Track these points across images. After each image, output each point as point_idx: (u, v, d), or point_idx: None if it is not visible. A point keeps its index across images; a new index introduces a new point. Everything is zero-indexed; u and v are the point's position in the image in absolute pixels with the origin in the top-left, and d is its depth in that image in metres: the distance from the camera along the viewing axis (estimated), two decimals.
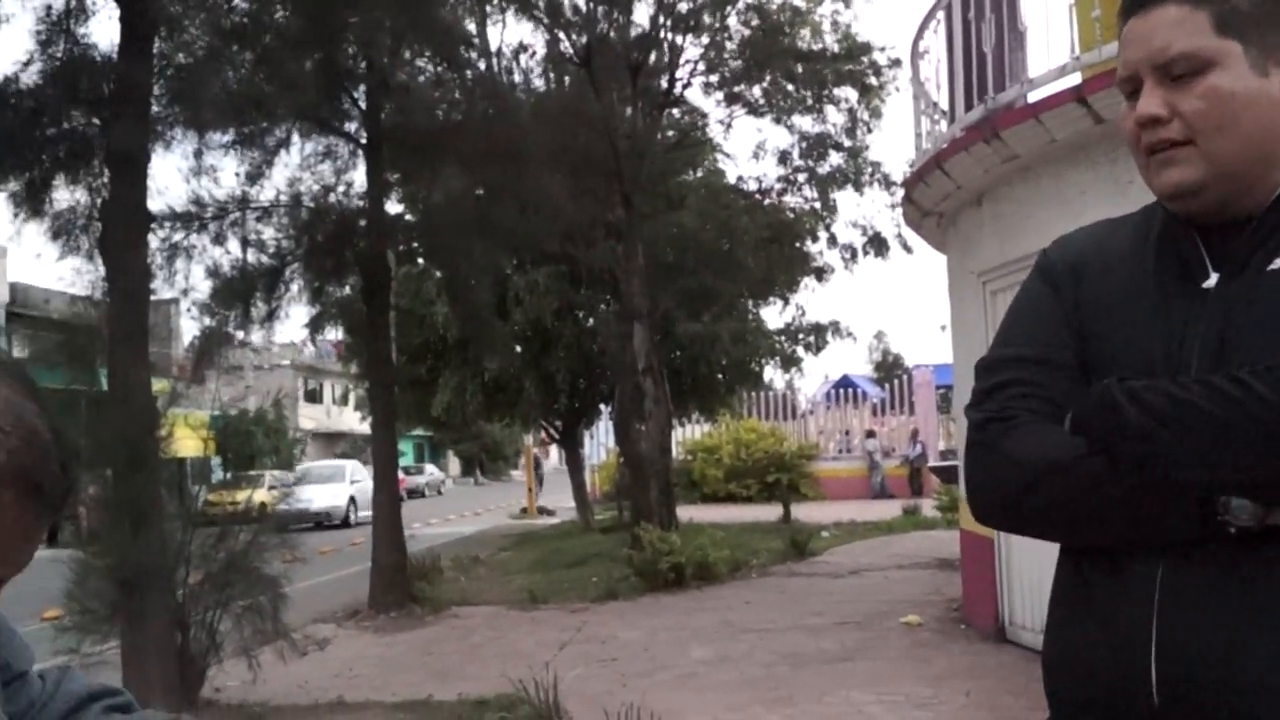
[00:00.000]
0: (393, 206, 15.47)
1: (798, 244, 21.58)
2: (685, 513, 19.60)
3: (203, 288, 12.85)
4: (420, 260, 20.26)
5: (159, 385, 8.72)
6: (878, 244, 21.07)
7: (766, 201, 21.32)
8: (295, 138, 12.98)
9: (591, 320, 21.94)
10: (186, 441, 9.61)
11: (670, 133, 20.64)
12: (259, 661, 8.86)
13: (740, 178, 23.07)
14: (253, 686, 8.77)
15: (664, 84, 18.46)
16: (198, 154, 11.42)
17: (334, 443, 58.03)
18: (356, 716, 7.89)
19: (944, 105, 9.93)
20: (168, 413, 8.88)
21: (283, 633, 9.07)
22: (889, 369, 63.17)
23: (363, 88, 13.25)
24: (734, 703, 7.32)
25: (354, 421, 50.75)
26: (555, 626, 11.29)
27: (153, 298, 9.05)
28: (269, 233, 13.18)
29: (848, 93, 19.77)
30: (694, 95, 26.80)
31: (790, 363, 24.67)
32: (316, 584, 15.20)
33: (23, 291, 32.90)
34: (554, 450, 54.65)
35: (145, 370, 8.16)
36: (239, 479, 10.33)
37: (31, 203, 9.02)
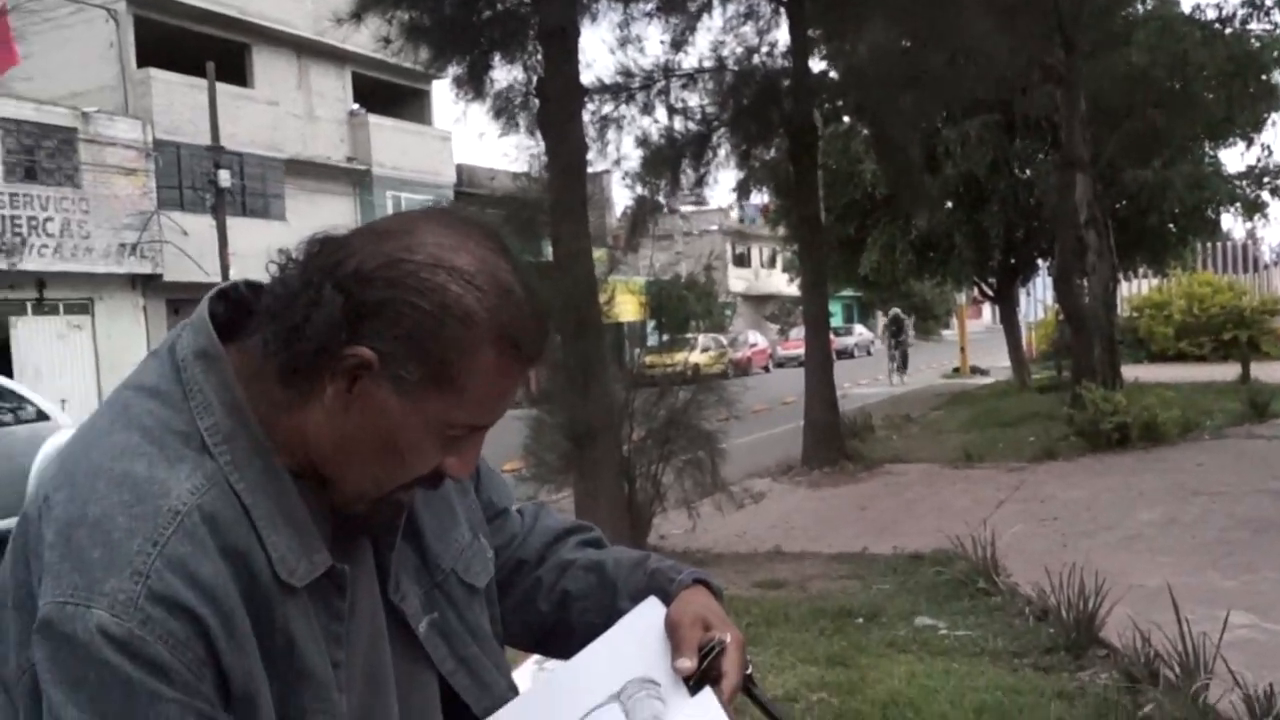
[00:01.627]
0: (817, 64, 15.30)
1: (1264, 76, 19.48)
2: (1130, 372, 18.58)
3: (633, 157, 13.30)
4: (846, 118, 19.94)
5: (597, 254, 9.14)
6: None
7: (1228, 31, 19.32)
8: (716, 1, 13.05)
9: (1028, 172, 20.96)
10: (625, 306, 10.07)
11: None
12: (699, 512, 9.29)
13: (1196, 6, 21.24)
14: (693, 535, 9.22)
15: None
16: (623, 24, 11.76)
17: (762, 305, 59.08)
18: (794, 565, 8.12)
19: None
20: (607, 280, 9.33)
21: (721, 486, 9.46)
22: None
23: None
24: (1185, 566, 6.94)
25: (782, 284, 51.42)
26: (991, 485, 11.10)
27: (588, 170, 9.44)
28: (695, 99, 13.42)
29: None
30: None
31: (1253, 209, 22.47)
32: (752, 440, 15.69)
33: (468, 172, 35.33)
34: (986, 309, 53.30)
35: (586, 239, 8.57)
36: (674, 341, 10.70)
37: (473, 84, 9.61)
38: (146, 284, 26.07)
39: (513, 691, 1.55)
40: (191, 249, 25.60)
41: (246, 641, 1.15)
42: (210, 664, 1.12)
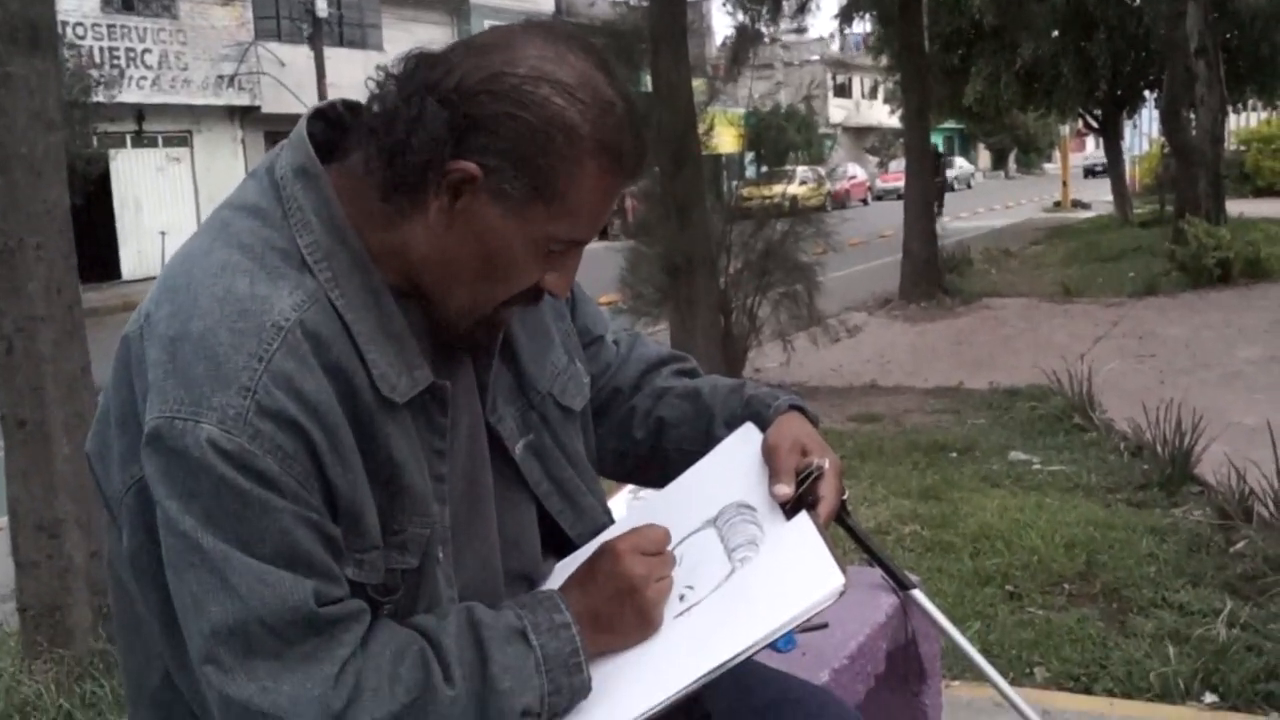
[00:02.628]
0: None
1: None
2: (1235, 207, 18.05)
3: None
4: None
5: (697, 84, 8.99)
6: None
7: None
8: None
9: None
10: (724, 138, 9.93)
11: None
12: (794, 345, 9.30)
13: None
14: (789, 369, 9.25)
15: None
16: None
17: (863, 137, 57.93)
18: (890, 399, 8.13)
19: None
20: (706, 110, 9.19)
21: (817, 319, 9.44)
22: None
23: None
24: None
25: (883, 115, 50.26)
26: (1090, 320, 10.98)
27: None
28: None
29: None
30: None
31: None
32: (849, 274, 15.58)
33: (568, 1, 34.64)
34: (1090, 142, 51.77)
35: (685, 69, 8.41)
36: (773, 173, 10.57)
37: None
38: (245, 116, 26.14)
39: (608, 517, 1.57)
40: (289, 80, 25.50)
41: (351, 456, 1.18)
42: (317, 476, 1.15)
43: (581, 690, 1.27)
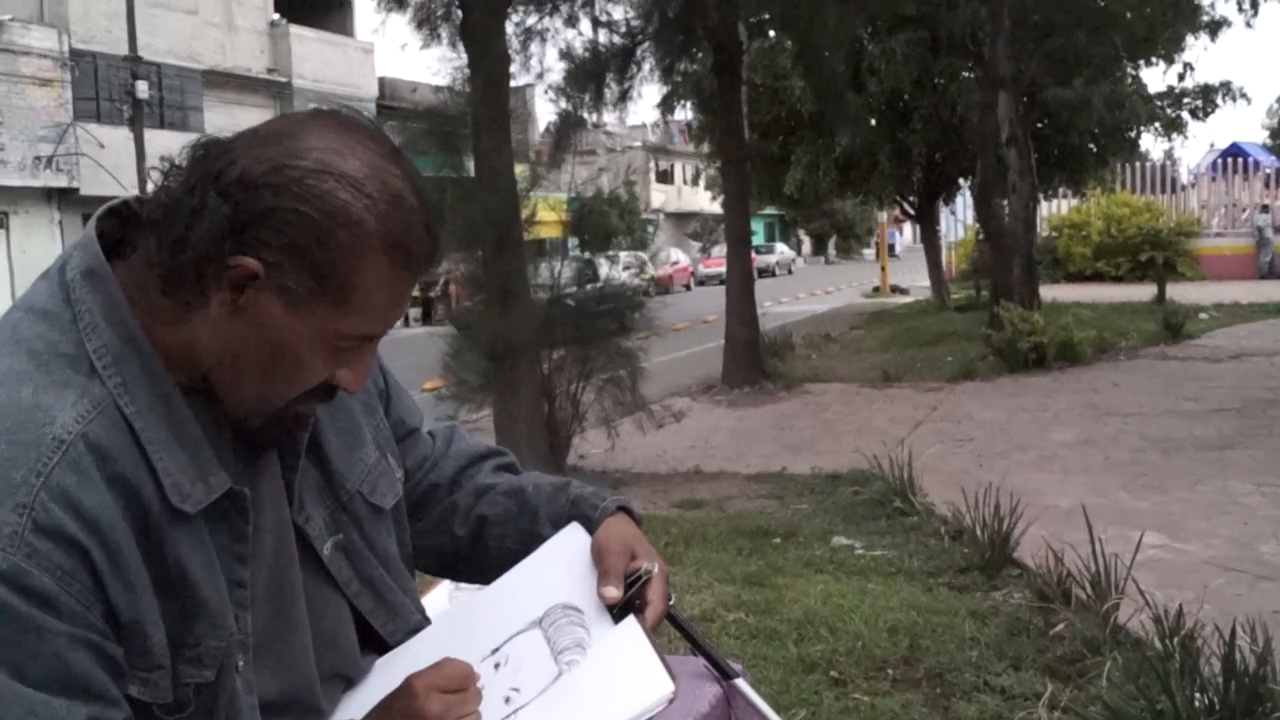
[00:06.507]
0: None
1: None
2: (1049, 292, 18.85)
3: (557, 70, 13.09)
4: (772, 33, 19.81)
5: (520, 169, 9.01)
6: None
7: None
8: None
9: (951, 89, 20.98)
10: (546, 223, 9.95)
11: None
12: (618, 431, 9.29)
13: None
14: (613, 455, 9.23)
15: None
16: None
17: (685, 222, 59.03)
18: (713, 485, 8.15)
19: None
20: (529, 195, 9.20)
21: (641, 404, 9.45)
22: None
23: None
24: (1098, 487, 7.07)
25: (705, 201, 51.37)
26: (909, 404, 11.23)
27: (511, 83, 9.27)
28: (619, 11, 13.22)
29: None
30: None
31: (1172, 127, 22.56)
32: (672, 359, 15.72)
33: (391, 85, 34.73)
34: (907, 228, 53.67)
35: (508, 154, 8.43)
36: (594, 259, 10.61)
37: None
38: (63, 198, 25.48)
39: (421, 616, 1.55)
40: (109, 162, 24.95)
41: (135, 572, 1.13)
42: (97, 594, 1.10)
43: None
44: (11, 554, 1.05)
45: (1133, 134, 22.99)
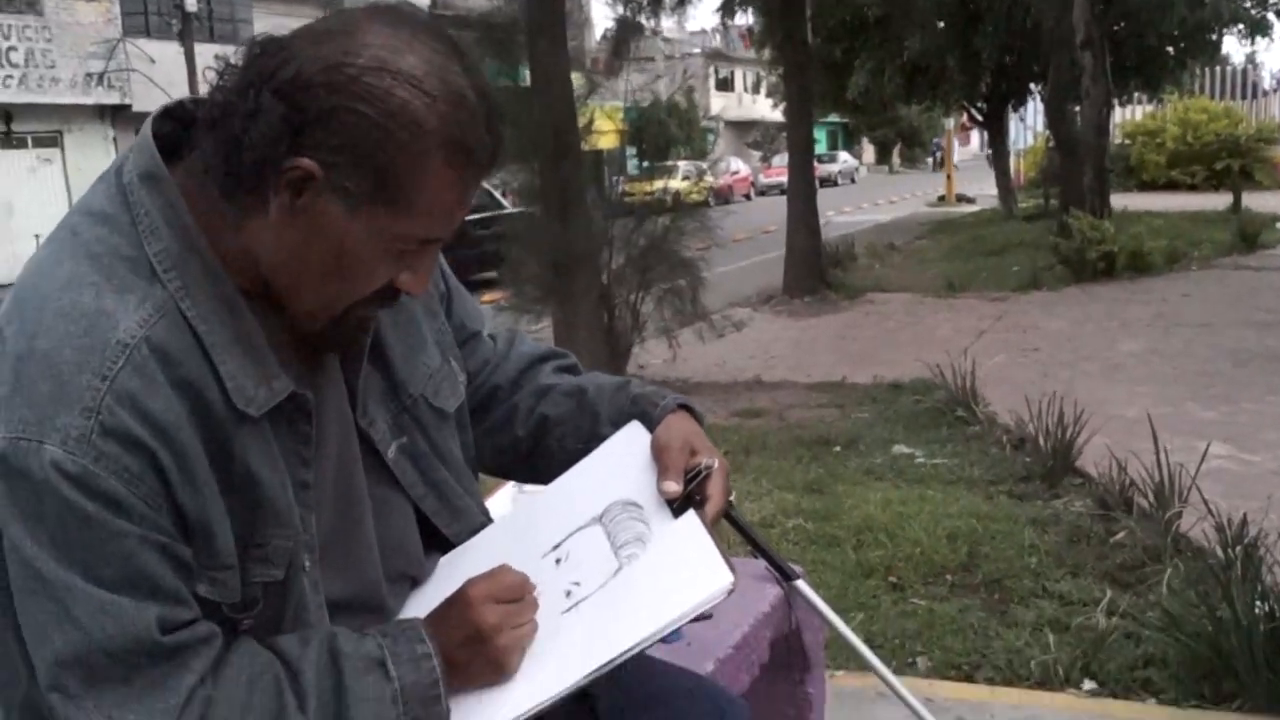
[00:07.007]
0: None
1: None
2: (1120, 200, 18.48)
3: None
4: None
5: (575, 77, 8.93)
6: None
7: None
8: None
9: None
10: (604, 132, 9.89)
11: None
12: (678, 341, 9.30)
13: None
14: (673, 365, 9.24)
15: None
16: None
17: (745, 131, 58.41)
18: (774, 395, 8.15)
19: None
20: (585, 104, 9.13)
21: (701, 314, 9.43)
22: None
23: None
24: (1166, 397, 6.97)
25: (766, 109, 50.72)
26: (973, 314, 11.14)
27: None
28: None
29: None
30: None
31: (1257, 29, 21.51)
32: (733, 269, 15.66)
33: None
34: (975, 136, 52.79)
35: (565, 61, 8.35)
36: (654, 168, 10.55)
37: None
38: (116, 114, 25.50)
39: (485, 517, 1.56)
40: (160, 77, 24.82)
41: (201, 474, 1.14)
42: (165, 497, 1.11)
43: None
44: (80, 458, 1.07)
45: (1214, 36, 22.09)
